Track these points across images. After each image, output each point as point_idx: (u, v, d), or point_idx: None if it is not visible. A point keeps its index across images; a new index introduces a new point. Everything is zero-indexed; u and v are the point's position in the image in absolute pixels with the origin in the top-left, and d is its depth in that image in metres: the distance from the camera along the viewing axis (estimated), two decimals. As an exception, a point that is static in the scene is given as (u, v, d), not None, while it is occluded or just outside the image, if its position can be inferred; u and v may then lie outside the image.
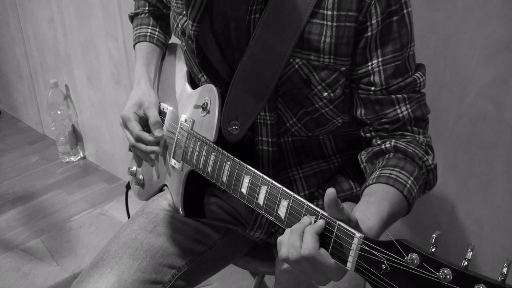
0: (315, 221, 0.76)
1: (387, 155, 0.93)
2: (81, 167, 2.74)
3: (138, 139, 1.05)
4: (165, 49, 1.24)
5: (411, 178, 0.88)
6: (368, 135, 0.98)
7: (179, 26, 1.05)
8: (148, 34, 1.21)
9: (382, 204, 0.82)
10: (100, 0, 2.19)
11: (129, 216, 1.29)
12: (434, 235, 0.64)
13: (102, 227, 2.25)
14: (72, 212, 2.36)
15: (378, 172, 0.89)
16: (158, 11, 1.25)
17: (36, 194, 2.50)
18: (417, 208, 1.45)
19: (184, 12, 1.01)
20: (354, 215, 0.75)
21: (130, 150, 1.28)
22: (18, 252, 2.10)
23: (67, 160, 2.76)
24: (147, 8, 1.25)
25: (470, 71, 1.23)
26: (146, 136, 1.04)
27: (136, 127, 1.04)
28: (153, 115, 1.06)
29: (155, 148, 1.06)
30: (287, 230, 0.76)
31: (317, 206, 0.78)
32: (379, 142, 0.96)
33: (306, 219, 0.76)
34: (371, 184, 0.88)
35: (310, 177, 1.06)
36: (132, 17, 1.28)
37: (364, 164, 0.98)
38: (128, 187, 1.33)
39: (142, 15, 1.25)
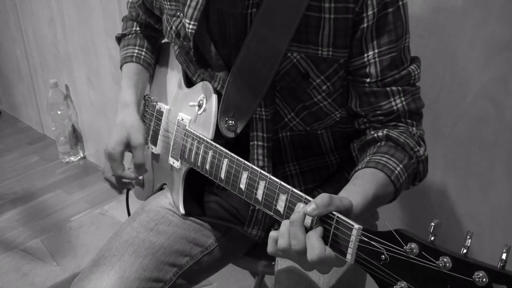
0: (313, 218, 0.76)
1: (378, 143, 0.94)
2: (81, 167, 2.74)
3: (119, 178, 1.10)
4: (152, 67, 1.25)
5: (400, 166, 0.89)
6: (362, 126, 0.99)
7: (173, 28, 1.05)
8: (135, 54, 1.21)
9: (368, 185, 0.83)
10: (100, 0, 2.19)
11: (129, 215, 1.29)
12: (433, 224, 0.64)
13: (102, 227, 2.25)
14: (72, 212, 2.36)
15: (368, 158, 0.90)
16: (146, 31, 1.25)
17: (36, 194, 2.50)
18: (417, 208, 1.45)
19: (179, 13, 1.01)
20: (346, 198, 0.75)
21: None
22: (18, 252, 2.10)
23: (67, 160, 2.76)
24: (134, 28, 1.25)
25: (470, 71, 1.23)
26: (128, 174, 1.09)
27: (118, 169, 1.08)
28: (137, 157, 1.08)
29: (137, 177, 1.11)
30: (285, 222, 0.76)
31: None
32: (372, 132, 0.97)
33: (301, 207, 0.76)
34: (360, 169, 0.89)
35: (307, 173, 1.07)
36: (119, 38, 1.28)
37: (356, 152, 1.00)
38: (128, 187, 1.34)
39: (129, 36, 1.25)
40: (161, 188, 1.22)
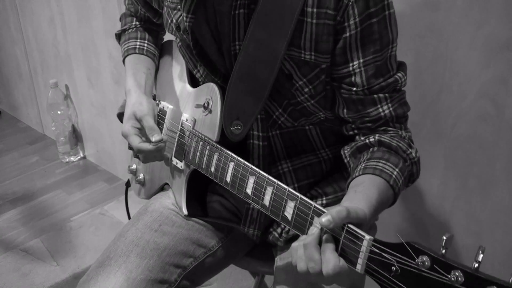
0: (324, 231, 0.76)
1: (371, 149, 0.94)
2: (81, 167, 2.74)
3: (139, 151, 1.06)
4: (157, 58, 1.24)
5: (396, 170, 0.89)
6: (351, 132, 1.00)
7: (174, 21, 1.05)
8: (137, 46, 1.21)
9: (371, 192, 0.83)
10: (100, 0, 2.19)
11: (128, 213, 1.29)
12: (444, 237, 0.64)
13: (102, 227, 2.25)
14: (72, 212, 2.36)
15: (363, 165, 0.90)
16: (146, 25, 1.25)
17: (36, 194, 2.50)
18: (417, 208, 1.45)
19: (179, 6, 1.02)
20: (361, 210, 0.75)
21: (129, 148, 1.28)
22: (18, 252, 2.10)
23: (67, 160, 2.76)
24: (134, 23, 1.25)
25: (470, 71, 1.23)
26: (146, 146, 1.05)
27: (135, 141, 1.05)
28: (147, 123, 1.06)
29: (159, 145, 1.05)
30: (299, 245, 0.76)
31: (321, 205, 0.78)
32: (362, 138, 0.97)
33: (316, 230, 0.76)
34: (357, 176, 0.89)
35: (300, 170, 1.07)
36: (119, 35, 1.28)
37: (348, 158, 0.99)
38: (128, 184, 1.33)
39: (130, 30, 1.25)
40: (162, 188, 1.22)
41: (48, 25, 2.58)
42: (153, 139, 1.04)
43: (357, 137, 0.98)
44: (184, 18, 0.99)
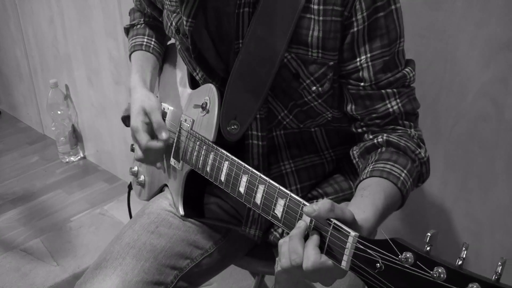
0: (310, 225, 0.76)
1: (379, 150, 0.94)
2: (81, 167, 2.74)
3: (147, 149, 1.06)
4: (162, 58, 1.25)
5: (405, 171, 0.88)
6: (359, 130, 0.99)
7: (173, 24, 1.06)
8: (144, 43, 1.21)
9: (377, 196, 0.83)
10: (100, 0, 2.19)
11: (131, 216, 1.29)
12: (429, 234, 0.64)
13: (102, 227, 2.25)
14: (72, 212, 2.36)
15: (371, 167, 0.89)
16: (154, 21, 1.25)
17: (36, 194, 2.50)
18: (417, 208, 1.45)
19: (178, 10, 1.02)
20: (349, 210, 0.75)
21: (132, 150, 1.28)
22: (18, 252, 2.10)
23: (67, 160, 2.76)
24: (142, 19, 1.26)
25: (470, 71, 1.23)
26: (155, 144, 1.05)
27: (144, 138, 1.05)
28: (155, 120, 1.06)
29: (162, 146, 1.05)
30: (284, 241, 0.76)
31: None
32: (371, 136, 0.96)
33: (302, 224, 0.76)
34: (364, 179, 0.88)
35: (302, 170, 1.07)
36: (127, 29, 1.28)
37: (357, 159, 0.99)
38: (130, 187, 1.34)
39: (138, 26, 1.25)
40: (161, 189, 1.22)
41: (48, 25, 2.59)
42: (162, 136, 1.04)
43: (365, 135, 0.98)
44: (184, 22, 0.99)
